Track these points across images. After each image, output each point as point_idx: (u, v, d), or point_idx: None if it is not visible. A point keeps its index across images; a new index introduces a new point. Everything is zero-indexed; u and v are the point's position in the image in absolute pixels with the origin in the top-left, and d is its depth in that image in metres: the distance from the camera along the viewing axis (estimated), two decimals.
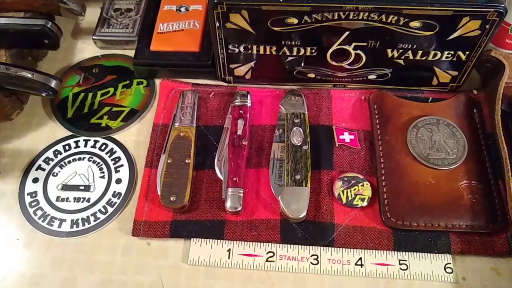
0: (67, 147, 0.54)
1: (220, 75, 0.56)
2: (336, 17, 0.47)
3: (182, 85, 0.57)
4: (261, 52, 0.52)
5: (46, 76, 0.51)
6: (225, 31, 0.49)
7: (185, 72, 0.58)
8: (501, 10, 0.45)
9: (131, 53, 0.60)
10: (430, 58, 0.51)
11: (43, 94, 0.52)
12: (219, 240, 0.47)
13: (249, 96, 0.54)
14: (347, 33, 0.49)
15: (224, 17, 0.48)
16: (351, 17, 0.47)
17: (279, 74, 0.55)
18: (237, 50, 0.52)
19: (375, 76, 0.54)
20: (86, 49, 0.62)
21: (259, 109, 0.55)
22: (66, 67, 0.60)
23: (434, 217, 0.47)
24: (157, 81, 0.58)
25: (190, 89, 0.56)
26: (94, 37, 0.60)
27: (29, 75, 0.50)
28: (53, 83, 0.52)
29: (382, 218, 0.47)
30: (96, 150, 0.53)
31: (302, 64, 0.53)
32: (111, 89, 0.58)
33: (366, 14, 0.46)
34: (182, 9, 0.60)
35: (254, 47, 0.51)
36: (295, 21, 0.48)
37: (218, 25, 0.49)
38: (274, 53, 0.52)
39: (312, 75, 0.55)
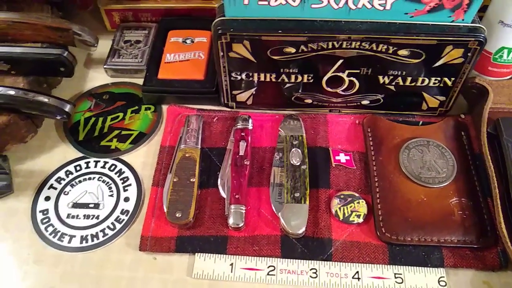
0: (78, 168, 0.57)
1: (223, 101, 0.60)
2: (330, 46, 0.51)
3: (188, 110, 0.61)
4: (262, 79, 0.56)
5: (61, 101, 0.55)
6: (228, 60, 0.54)
7: (190, 99, 0.61)
8: (481, 39, 0.49)
9: (139, 81, 0.64)
10: (418, 84, 0.55)
11: (58, 118, 0.55)
12: (222, 255, 0.49)
13: (250, 120, 0.58)
14: (341, 61, 0.53)
15: (228, 47, 0.52)
16: (344, 46, 0.51)
17: (278, 100, 0.59)
18: (239, 78, 0.56)
19: (368, 102, 0.58)
20: (97, 78, 0.66)
21: (260, 132, 0.58)
22: (79, 94, 0.64)
23: (427, 232, 0.49)
24: (164, 107, 0.62)
25: (195, 114, 0.60)
26: (105, 66, 0.65)
27: (46, 100, 0.54)
28: (67, 108, 0.55)
29: (377, 233, 0.49)
30: (105, 171, 0.56)
31: (300, 91, 0.57)
32: (121, 114, 0.61)
33: (358, 43, 0.50)
34: (188, 41, 0.65)
35: (255, 74, 0.55)
36: (293, 50, 0.52)
37: (222, 54, 0.53)
38: (273, 80, 0.56)
39: (309, 101, 0.59)
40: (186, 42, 0.65)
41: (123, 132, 0.60)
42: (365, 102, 0.58)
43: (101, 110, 0.62)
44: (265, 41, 0.51)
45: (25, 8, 0.66)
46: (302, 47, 0.51)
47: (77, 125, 0.60)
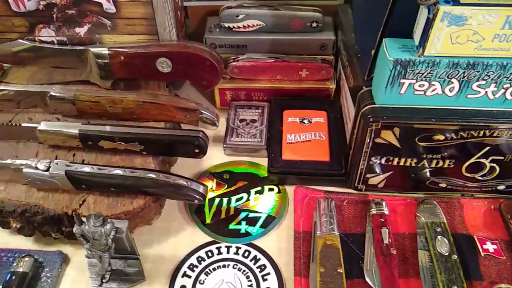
0: (209, 254, 0.54)
1: (353, 183, 0.59)
2: (481, 134, 0.51)
3: (315, 192, 0.59)
4: (401, 164, 0.55)
5: (197, 183, 0.54)
6: (372, 145, 0.53)
7: (314, 180, 0.60)
8: None
9: (257, 160, 0.64)
10: None
11: (196, 202, 0.54)
12: None
13: (384, 203, 0.56)
14: (487, 148, 0.52)
15: (376, 133, 0.52)
16: (495, 134, 0.51)
17: (411, 183, 0.58)
18: (378, 162, 0.55)
19: (504, 187, 0.57)
20: (212, 156, 0.65)
21: (394, 217, 0.57)
22: (198, 173, 0.63)
23: None
24: (288, 188, 0.61)
25: (322, 196, 0.59)
26: (224, 145, 0.64)
27: (185, 183, 0.53)
28: (201, 189, 0.54)
29: None
30: (239, 257, 0.54)
31: (437, 175, 0.56)
32: (245, 195, 0.60)
33: (511, 132, 0.50)
34: (305, 121, 0.65)
35: (396, 159, 0.55)
36: (442, 137, 0.52)
37: (368, 140, 0.53)
38: (413, 165, 0.55)
39: (443, 185, 0.58)
40: (303, 123, 0.65)
41: (251, 215, 0.58)
42: (500, 187, 0.57)
43: (224, 191, 0.61)
44: (416, 128, 0.51)
45: (142, 86, 0.67)
46: (452, 134, 0.51)
47: (202, 207, 0.59)
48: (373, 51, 0.51)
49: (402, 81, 0.48)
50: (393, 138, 0.52)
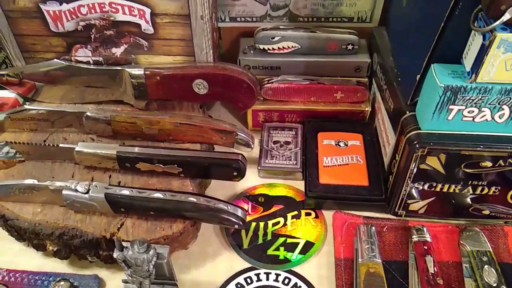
0: (248, 280, 0.53)
1: (393, 209, 0.58)
2: None
3: (354, 218, 0.58)
4: (444, 190, 0.54)
5: (234, 207, 0.53)
6: (416, 171, 0.52)
7: (353, 205, 0.59)
8: None
9: (291, 183, 0.63)
10: None
11: (236, 226, 0.53)
12: None
13: (425, 230, 0.55)
14: None
15: (421, 159, 0.51)
16: None
17: (453, 210, 0.57)
18: (421, 188, 0.54)
19: None
20: (247, 178, 0.63)
21: (436, 245, 0.55)
22: (233, 195, 0.62)
23: None
24: (325, 212, 0.60)
25: (362, 222, 0.58)
26: (259, 168, 0.63)
27: (225, 207, 0.52)
28: (239, 213, 0.53)
29: None
30: (279, 285, 0.52)
31: (480, 202, 0.55)
32: (281, 220, 0.59)
33: None
34: (341, 144, 0.64)
35: (439, 185, 0.54)
36: (489, 164, 0.50)
37: (412, 167, 0.52)
38: (457, 191, 0.54)
39: (486, 212, 0.56)
40: (339, 145, 0.64)
41: (289, 240, 0.57)
42: None
43: (260, 214, 0.60)
44: (463, 155, 0.50)
45: (176, 107, 0.66)
46: (501, 161, 0.50)
47: (239, 231, 0.58)
48: (418, 76, 0.51)
49: (451, 107, 0.47)
50: (438, 165, 0.51)
